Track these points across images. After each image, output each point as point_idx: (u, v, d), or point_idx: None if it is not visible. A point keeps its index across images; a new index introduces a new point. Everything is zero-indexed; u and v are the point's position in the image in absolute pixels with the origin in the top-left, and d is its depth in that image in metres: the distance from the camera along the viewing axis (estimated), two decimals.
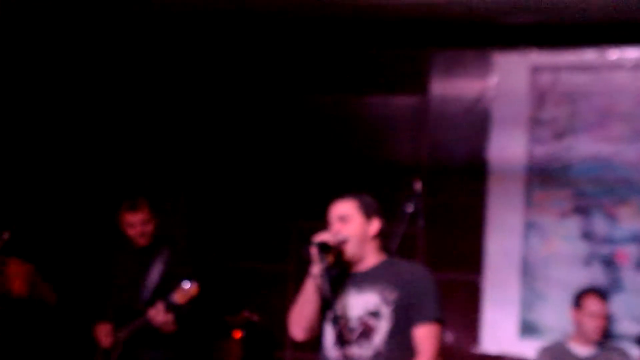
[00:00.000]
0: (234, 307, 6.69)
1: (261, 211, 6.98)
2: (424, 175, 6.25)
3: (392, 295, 4.06)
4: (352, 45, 6.81)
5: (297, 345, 6.58)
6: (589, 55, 6.28)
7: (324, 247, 4.00)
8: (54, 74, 6.97)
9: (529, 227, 6.31)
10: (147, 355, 5.62)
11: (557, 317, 6.12)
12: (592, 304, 5.57)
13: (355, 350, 4.04)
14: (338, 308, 4.04)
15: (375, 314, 4.07)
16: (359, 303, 4.10)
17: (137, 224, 5.62)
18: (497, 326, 6.35)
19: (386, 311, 4.05)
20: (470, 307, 6.43)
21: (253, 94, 7.11)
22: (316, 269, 3.97)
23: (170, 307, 5.31)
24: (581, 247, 6.20)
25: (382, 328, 4.04)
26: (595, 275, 6.13)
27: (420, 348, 4.04)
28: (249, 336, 6.46)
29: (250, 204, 7.01)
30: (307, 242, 3.99)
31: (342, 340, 3.97)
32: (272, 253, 6.91)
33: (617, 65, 6.22)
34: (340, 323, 3.99)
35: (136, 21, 6.60)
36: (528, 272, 6.29)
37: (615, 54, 6.23)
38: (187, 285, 5.27)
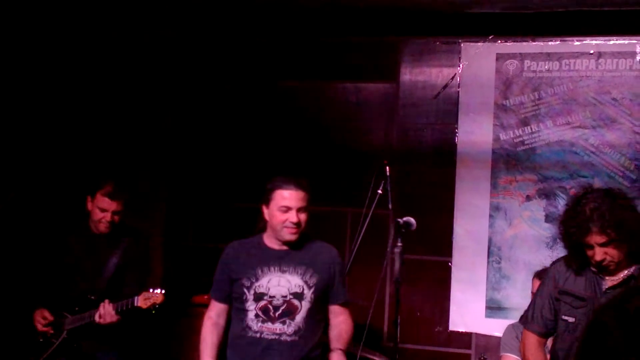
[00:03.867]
0: (210, 286, 6.75)
1: (238, 194, 7.04)
2: (394, 159, 6.39)
3: (313, 279, 4.57)
4: (325, 33, 6.89)
5: None
6: (553, 43, 6.43)
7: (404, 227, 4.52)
8: (35, 56, 6.97)
9: (495, 210, 6.47)
10: (96, 345, 5.40)
11: (521, 297, 6.25)
12: (534, 284, 5.61)
13: (277, 325, 4.52)
14: (261, 285, 4.55)
15: (298, 295, 4.55)
16: (283, 283, 4.55)
17: (109, 211, 5.33)
18: (465, 305, 6.51)
19: (308, 293, 4.55)
20: (440, 287, 6.58)
21: (230, 82, 7.17)
22: None
23: (130, 309, 5.10)
24: (545, 229, 6.38)
25: (304, 307, 4.54)
26: (559, 256, 6.18)
27: (341, 319, 4.70)
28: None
29: (228, 187, 7.08)
30: None
31: (267, 316, 4.52)
32: (249, 235, 6.96)
33: (580, 53, 6.36)
34: (265, 300, 4.52)
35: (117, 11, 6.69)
36: (494, 253, 6.46)
37: (578, 42, 6.38)
38: (153, 291, 5.09)
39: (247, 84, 7.14)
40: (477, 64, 6.57)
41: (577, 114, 6.36)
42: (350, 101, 6.87)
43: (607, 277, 4.17)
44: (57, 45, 6.98)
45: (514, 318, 6.04)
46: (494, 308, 6.42)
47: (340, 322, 4.69)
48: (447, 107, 6.63)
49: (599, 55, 6.33)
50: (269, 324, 4.51)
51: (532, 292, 5.67)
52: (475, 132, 6.54)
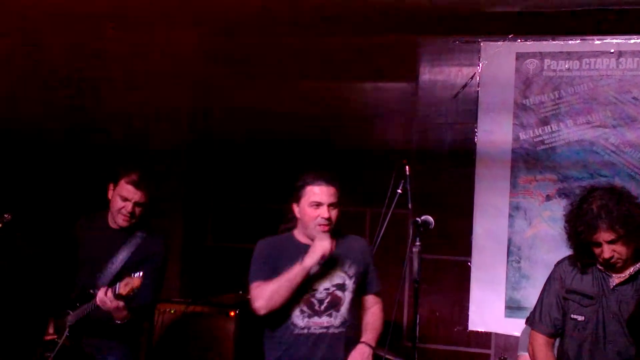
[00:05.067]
0: (229, 286, 6.79)
1: (257, 194, 7.08)
2: (414, 159, 6.39)
3: (352, 270, 4.58)
4: (344, 33, 6.87)
5: None
6: (573, 42, 6.40)
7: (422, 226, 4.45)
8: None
9: (515, 209, 6.46)
10: (98, 345, 5.07)
11: None
12: None
13: (324, 319, 4.51)
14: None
15: (340, 286, 4.55)
16: (324, 276, 4.52)
17: (131, 201, 4.98)
18: (485, 305, 6.51)
19: (349, 283, 4.56)
20: (459, 287, 6.58)
21: (249, 81, 7.16)
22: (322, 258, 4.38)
23: (116, 297, 4.67)
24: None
25: (347, 298, 4.55)
26: None
27: (374, 311, 4.72)
28: (243, 314, 6.51)
29: (246, 187, 7.11)
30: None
31: (312, 310, 4.50)
32: (266, 235, 6.96)
33: (600, 52, 6.34)
34: (308, 294, 4.48)
35: None
36: (514, 253, 6.44)
37: (598, 41, 6.35)
38: (134, 275, 4.64)
39: (266, 84, 7.12)
40: (497, 63, 6.55)
41: (597, 113, 6.33)
42: (370, 101, 6.89)
43: (614, 275, 4.20)
44: (64, 46, 7.04)
45: None
46: (513, 308, 6.41)
47: (372, 312, 4.72)
48: (466, 107, 6.62)
49: (620, 54, 6.30)
50: (316, 318, 4.50)
51: None
52: (495, 132, 6.53)
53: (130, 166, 5.08)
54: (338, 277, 4.53)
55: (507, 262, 6.45)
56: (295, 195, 4.56)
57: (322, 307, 4.51)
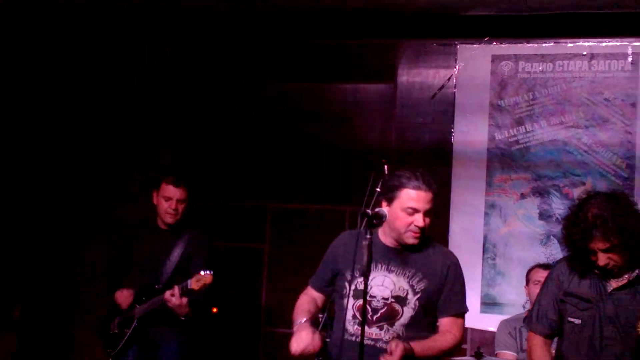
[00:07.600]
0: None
1: (238, 194, 7.12)
2: (392, 158, 6.46)
3: (421, 285, 4.10)
4: (324, 36, 6.96)
5: (272, 321, 6.85)
6: (547, 45, 6.52)
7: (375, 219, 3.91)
8: (37, 58, 7.08)
9: (491, 207, 6.56)
10: (162, 333, 5.59)
11: (515, 293, 6.37)
12: (535, 274, 5.78)
13: (374, 330, 4.09)
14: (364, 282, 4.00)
15: (401, 300, 4.09)
16: (387, 284, 4.11)
17: (174, 199, 5.62)
18: None
19: (412, 299, 4.09)
20: None
21: (231, 82, 7.23)
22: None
23: (186, 292, 5.25)
24: (539, 227, 6.46)
25: (406, 314, 4.08)
26: (552, 253, 6.37)
27: (445, 333, 4.15)
28: (226, 312, 6.57)
29: (228, 187, 7.15)
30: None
31: (364, 317, 3.94)
32: (249, 233, 7.08)
33: (573, 55, 6.46)
34: (364, 299, 3.92)
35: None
36: (489, 250, 6.55)
37: (571, 44, 6.48)
38: (204, 273, 5.22)
39: (247, 85, 7.18)
40: (473, 65, 6.65)
41: (570, 114, 6.44)
42: (349, 102, 6.93)
43: (611, 279, 4.14)
44: (58, 48, 7.11)
45: (508, 313, 6.15)
46: (489, 304, 6.50)
47: (443, 333, 4.17)
48: (443, 108, 6.70)
49: (592, 56, 6.42)
50: (366, 327, 3.91)
51: (530, 283, 5.82)
52: (471, 132, 6.62)
53: (166, 172, 6.03)
54: (401, 289, 4.08)
55: (483, 259, 6.54)
56: (388, 195, 4.11)
57: (375, 317, 4.08)
